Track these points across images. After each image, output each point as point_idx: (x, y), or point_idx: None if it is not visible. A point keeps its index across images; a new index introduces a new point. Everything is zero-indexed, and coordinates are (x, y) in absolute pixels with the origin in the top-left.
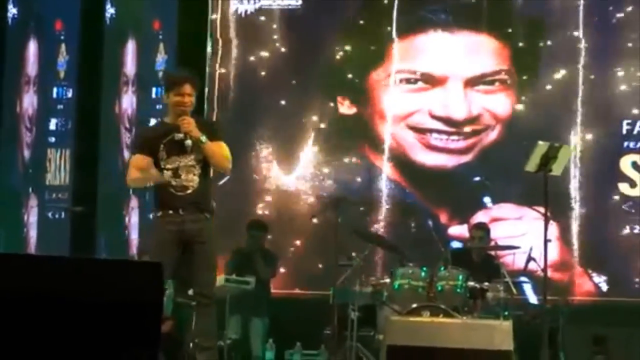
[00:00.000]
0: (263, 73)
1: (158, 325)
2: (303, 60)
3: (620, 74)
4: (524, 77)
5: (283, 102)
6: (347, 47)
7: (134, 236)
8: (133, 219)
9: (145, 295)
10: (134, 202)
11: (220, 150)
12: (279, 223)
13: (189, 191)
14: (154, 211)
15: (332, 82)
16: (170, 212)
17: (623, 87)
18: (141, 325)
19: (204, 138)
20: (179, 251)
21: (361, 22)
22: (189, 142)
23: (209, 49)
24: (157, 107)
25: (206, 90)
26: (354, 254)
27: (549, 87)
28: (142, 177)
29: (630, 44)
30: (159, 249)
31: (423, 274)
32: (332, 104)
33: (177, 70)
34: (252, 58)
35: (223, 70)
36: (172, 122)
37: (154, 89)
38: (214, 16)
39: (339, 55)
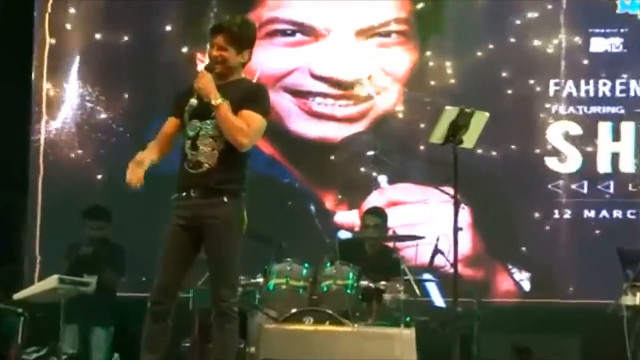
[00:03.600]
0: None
1: None
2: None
3: (542, 21)
4: (428, 28)
5: (126, 39)
6: None
7: None
8: None
9: None
10: None
11: (233, 118)
12: (127, 210)
13: (201, 169)
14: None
15: (190, 33)
16: (184, 194)
17: (549, 38)
18: None
19: (217, 99)
20: (194, 245)
21: None
22: (193, 100)
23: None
24: None
25: (35, 42)
26: None
27: (458, 40)
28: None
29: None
30: (165, 244)
31: (305, 271)
32: (191, 61)
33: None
34: (95, 14)
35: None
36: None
37: None
38: None
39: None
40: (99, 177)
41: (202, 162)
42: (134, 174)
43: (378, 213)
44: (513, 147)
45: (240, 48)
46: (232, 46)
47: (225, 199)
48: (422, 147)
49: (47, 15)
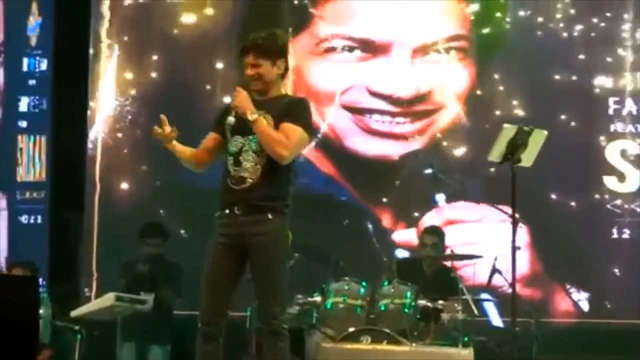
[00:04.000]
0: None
1: (32, 356)
2: (216, 24)
3: (606, 41)
4: (488, 45)
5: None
6: (264, 3)
7: (3, 245)
8: (1, 223)
9: (16, 318)
10: (2, 202)
11: (271, 132)
12: (185, 226)
13: (244, 185)
14: None
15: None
16: (227, 211)
17: (609, 58)
18: (11, 356)
19: (254, 115)
20: (239, 263)
21: None
22: (231, 118)
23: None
24: (30, 82)
25: (90, 56)
26: None
27: (518, 57)
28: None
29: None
30: (209, 263)
31: (362, 290)
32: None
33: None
34: (155, 30)
35: (113, 33)
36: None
37: (25, 60)
38: None
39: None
40: (155, 193)
41: (246, 178)
42: (160, 131)
43: (436, 232)
44: (572, 165)
45: (272, 59)
46: (264, 59)
47: (270, 216)
48: (480, 166)
49: (104, 31)
